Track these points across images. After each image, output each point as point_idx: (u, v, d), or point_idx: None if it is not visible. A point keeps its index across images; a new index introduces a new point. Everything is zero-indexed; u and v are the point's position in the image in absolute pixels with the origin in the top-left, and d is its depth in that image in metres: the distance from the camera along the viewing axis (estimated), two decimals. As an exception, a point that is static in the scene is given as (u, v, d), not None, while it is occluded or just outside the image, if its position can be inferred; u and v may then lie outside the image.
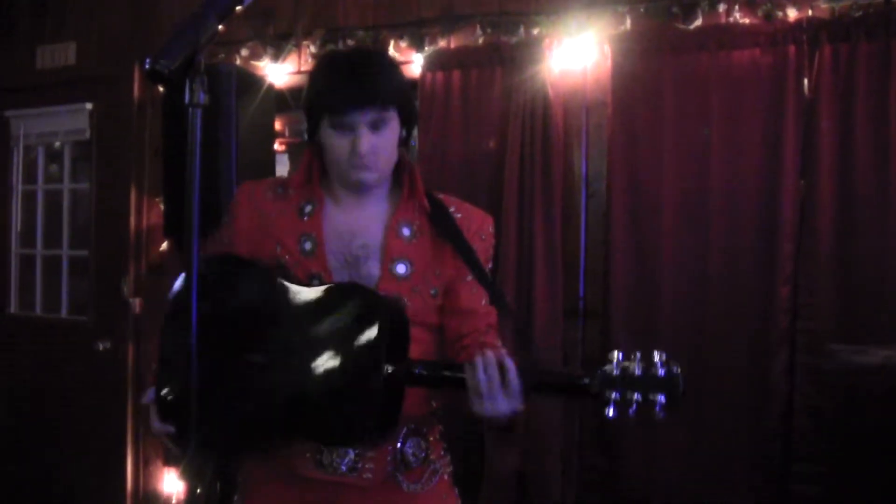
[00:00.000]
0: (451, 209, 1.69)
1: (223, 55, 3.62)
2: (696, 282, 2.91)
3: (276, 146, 3.68)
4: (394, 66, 1.65)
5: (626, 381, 1.36)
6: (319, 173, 1.68)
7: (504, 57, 3.14)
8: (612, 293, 3.01)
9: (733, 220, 2.87)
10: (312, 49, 3.50)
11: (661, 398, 1.34)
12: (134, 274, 3.92)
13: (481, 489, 3.08)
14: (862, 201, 2.71)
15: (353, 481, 1.58)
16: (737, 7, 2.87)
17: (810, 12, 2.79)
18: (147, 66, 1.10)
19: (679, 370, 1.35)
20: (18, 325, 4.30)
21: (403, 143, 1.65)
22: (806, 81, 2.78)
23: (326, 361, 1.43)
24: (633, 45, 2.99)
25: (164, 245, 3.84)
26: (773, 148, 2.81)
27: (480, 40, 3.23)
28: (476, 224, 1.69)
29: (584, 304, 3.12)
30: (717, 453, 2.86)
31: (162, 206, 3.66)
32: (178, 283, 1.59)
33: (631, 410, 1.36)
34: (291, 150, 4.11)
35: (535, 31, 3.13)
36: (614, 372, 1.36)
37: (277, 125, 3.62)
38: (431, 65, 3.26)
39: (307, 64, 3.51)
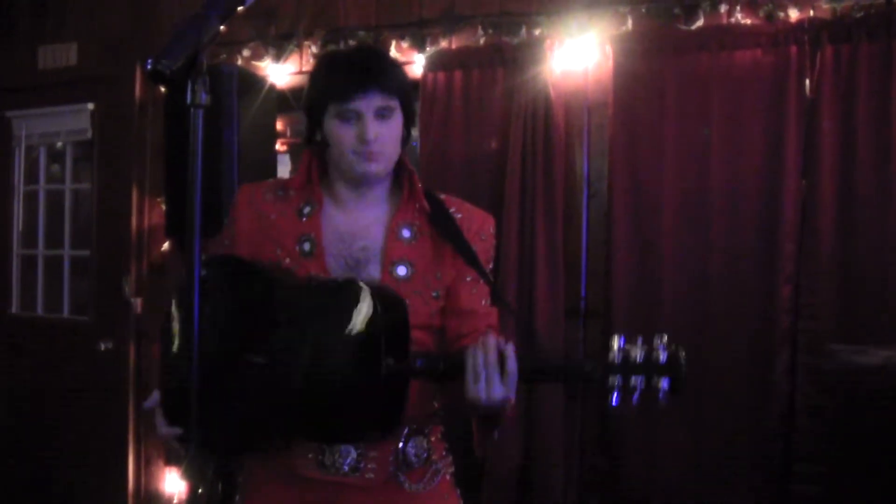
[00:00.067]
0: (452, 209, 1.68)
1: (225, 55, 3.63)
2: (698, 281, 2.91)
3: (278, 146, 3.69)
4: (396, 63, 1.67)
5: (628, 366, 1.35)
6: (319, 174, 1.68)
7: (506, 57, 3.14)
8: (614, 293, 3.01)
9: (734, 220, 2.87)
10: (314, 49, 3.50)
11: (664, 383, 1.34)
12: (135, 274, 3.92)
13: (482, 489, 3.08)
14: (863, 201, 2.71)
15: (354, 481, 1.58)
16: (738, 8, 2.88)
17: (812, 13, 2.79)
18: (149, 67, 1.09)
19: (683, 353, 1.35)
20: (20, 325, 4.30)
21: (404, 142, 1.66)
22: (807, 82, 2.78)
23: (327, 358, 1.43)
24: (635, 46, 2.99)
25: (166, 245, 3.84)
26: (774, 148, 2.81)
27: (482, 41, 3.24)
28: (476, 224, 1.69)
29: (585, 304, 3.12)
30: (718, 453, 2.87)
31: (163, 207, 3.66)
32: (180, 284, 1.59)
33: (634, 398, 1.36)
34: (293, 151, 4.11)
35: (537, 32, 3.13)
36: (616, 357, 1.36)
37: (279, 125, 3.62)
38: (433, 65, 3.26)
39: (308, 64, 3.51)
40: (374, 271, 1.61)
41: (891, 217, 2.67)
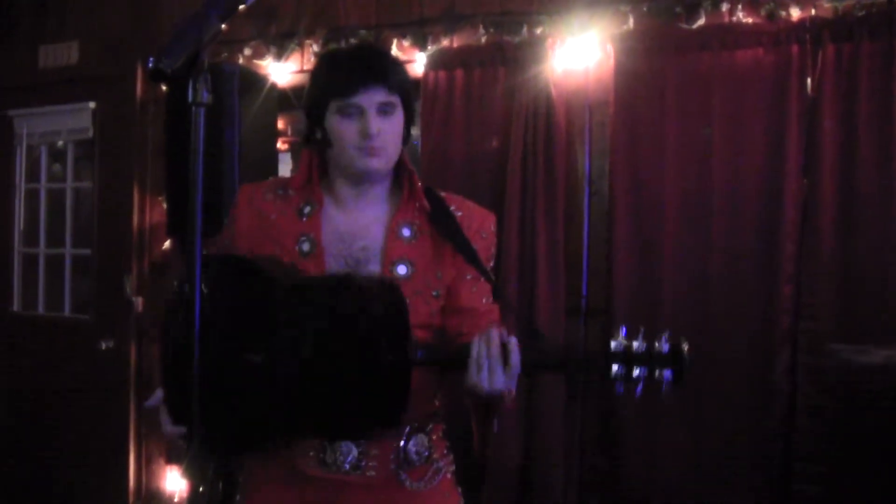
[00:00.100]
0: (452, 207, 1.68)
1: (226, 54, 3.63)
2: (698, 281, 2.91)
3: (279, 145, 3.69)
4: (397, 61, 1.69)
5: (630, 355, 1.37)
6: (319, 173, 1.68)
7: (507, 56, 3.14)
8: (615, 292, 3.01)
9: (735, 220, 2.87)
10: (315, 48, 3.50)
11: (667, 374, 1.35)
12: (136, 273, 3.92)
13: (483, 489, 3.08)
14: (864, 201, 2.71)
15: (356, 479, 1.58)
16: (740, 6, 2.87)
17: (813, 12, 2.79)
18: (150, 65, 1.10)
19: (686, 345, 1.36)
20: (21, 324, 4.31)
21: (404, 141, 1.65)
22: (809, 81, 2.78)
23: (327, 354, 1.43)
24: (636, 45, 2.99)
25: (167, 244, 3.84)
26: (775, 147, 2.81)
27: (483, 40, 3.24)
28: (477, 222, 1.69)
29: (586, 303, 3.12)
30: (718, 453, 2.86)
31: (164, 205, 3.67)
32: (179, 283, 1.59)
33: (638, 389, 1.37)
34: (294, 149, 4.11)
35: (538, 31, 3.13)
36: (618, 347, 1.38)
37: (280, 124, 3.62)
38: (434, 64, 3.26)
39: (310, 63, 3.51)
40: (374, 271, 1.61)
41: (892, 216, 2.67)
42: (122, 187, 3.94)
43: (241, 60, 3.61)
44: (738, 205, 2.86)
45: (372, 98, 1.55)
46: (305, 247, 1.62)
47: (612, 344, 1.39)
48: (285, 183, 1.70)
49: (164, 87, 3.50)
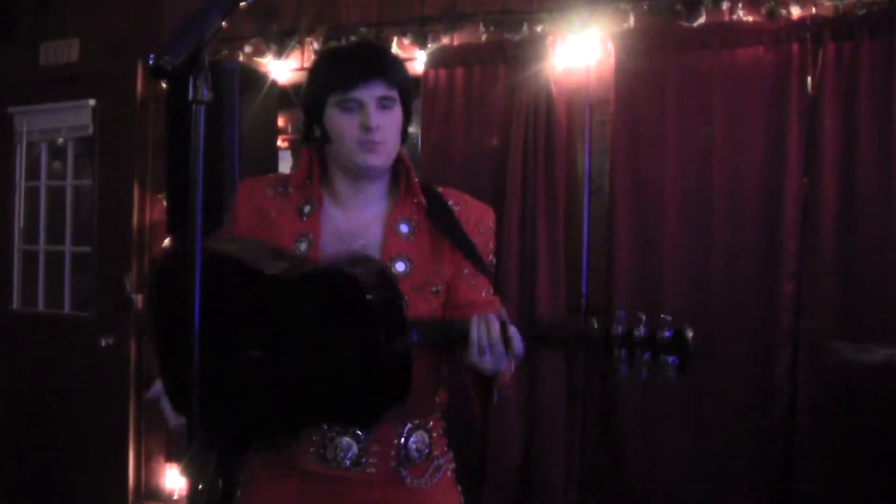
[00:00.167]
0: (451, 202, 1.68)
1: (226, 52, 3.63)
2: (699, 279, 2.91)
3: (280, 143, 3.69)
4: (396, 57, 1.69)
5: (632, 338, 1.39)
6: (319, 170, 1.68)
7: (507, 54, 3.14)
8: (615, 290, 3.01)
9: (736, 218, 2.87)
10: (315, 46, 3.50)
11: (671, 360, 1.36)
12: (136, 270, 3.92)
13: (483, 489, 3.08)
14: (865, 199, 2.71)
15: (356, 476, 1.58)
16: (740, 5, 2.87)
17: (814, 10, 2.79)
18: (151, 63, 1.09)
19: (690, 332, 1.37)
20: (21, 322, 4.30)
21: (403, 138, 1.65)
22: (809, 79, 2.78)
23: (327, 344, 1.43)
24: (637, 43, 2.98)
25: (167, 241, 3.84)
26: (776, 146, 2.81)
27: (483, 37, 3.24)
28: (475, 217, 1.69)
29: (586, 301, 3.12)
30: (719, 452, 2.86)
31: (164, 203, 3.67)
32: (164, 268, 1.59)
33: (644, 373, 1.39)
34: (294, 147, 4.11)
35: (539, 29, 3.13)
36: (618, 330, 1.40)
37: (280, 122, 3.62)
38: (435, 62, 3.26)
39: (310, 61, 3.51)
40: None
41: (892, 215, 2.67)
42: (122, 185, 3.94)
43: (241, 58, 3.60)
44: (738, 203, 2.86)
45: (372, 92, 1.55)
46: (303, 247, 1.61)
47: (613, 325, 1.41)
48: (285, 180, 1.70)
49: (164, 85, 3.50)
